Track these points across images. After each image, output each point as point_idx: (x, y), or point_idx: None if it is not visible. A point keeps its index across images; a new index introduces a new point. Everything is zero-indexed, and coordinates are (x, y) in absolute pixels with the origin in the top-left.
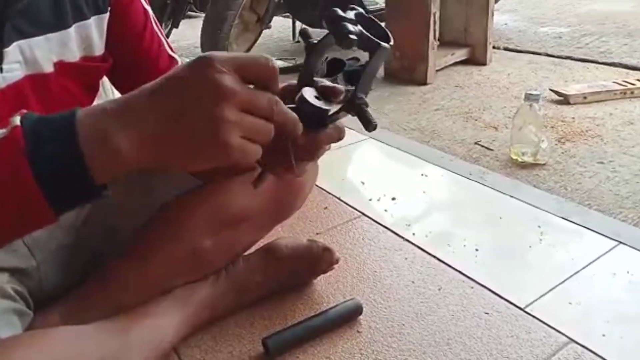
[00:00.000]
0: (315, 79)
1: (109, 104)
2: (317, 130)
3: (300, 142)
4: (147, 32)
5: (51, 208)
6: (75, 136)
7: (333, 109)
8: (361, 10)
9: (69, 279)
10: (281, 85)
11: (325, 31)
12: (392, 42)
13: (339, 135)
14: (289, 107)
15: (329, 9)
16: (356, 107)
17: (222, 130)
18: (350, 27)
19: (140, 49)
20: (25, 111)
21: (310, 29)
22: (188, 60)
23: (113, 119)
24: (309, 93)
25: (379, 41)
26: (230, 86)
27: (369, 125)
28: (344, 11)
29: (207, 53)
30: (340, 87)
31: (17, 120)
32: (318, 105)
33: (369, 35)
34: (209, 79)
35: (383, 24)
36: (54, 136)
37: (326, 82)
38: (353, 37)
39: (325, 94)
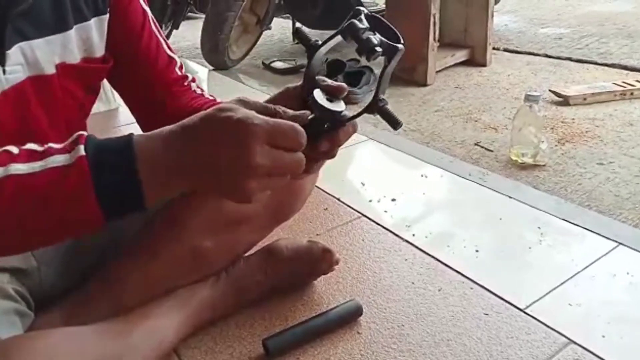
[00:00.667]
0: (317, 77)
1: (163, 142)
2: (334, 130)
3: (323, 148)
4: (145, 33)
5: (105, 223)
6: (136, 173)
7: (346, 109)
8: (367, 10)
9: (69, 280)
10: (279, 90)
11: (326, 31)
12: (402, 41)
13: (354, 130)
14: (304, 114)
15: (349, 25)
16: (380, 109)
17: (248, 194)
18: (374, 39)
19: (138, 49)
20: (83, 134)
21: (305, 29)
22: (188, 62)
23: (166, 161)
24: (320, 96)
25: (397, 45)
26: (260, 162)
27: (396, 124)
28: (356, 16)
29: (244, 116)
30: (344, 84)
31: (81, 149)
32: (334, 109)
33: (388, 42)
34: (244, 153)
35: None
36: (117, 169)
37: (328, 81)
38: (379, 49)
39: (331, 92)
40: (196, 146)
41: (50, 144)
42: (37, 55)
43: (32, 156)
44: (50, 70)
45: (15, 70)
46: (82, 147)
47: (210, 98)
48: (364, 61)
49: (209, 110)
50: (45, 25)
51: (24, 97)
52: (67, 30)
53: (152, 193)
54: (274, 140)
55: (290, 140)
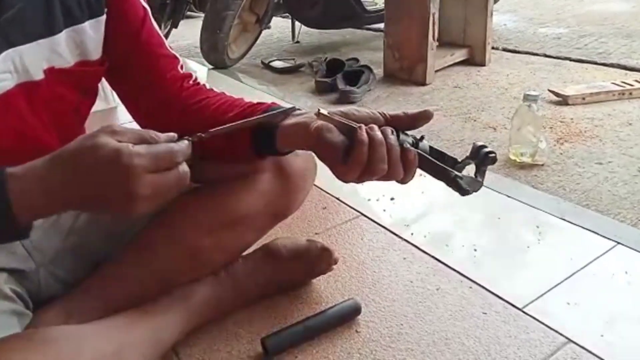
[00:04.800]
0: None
1: (39, 179)
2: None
3: (410, 157)
4: (145, 29)
5: None
6: (14, 218)
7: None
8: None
9: (68, 281)
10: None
11: (326, 30)
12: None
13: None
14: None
15: (448, 168)
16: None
17: (134, 213)
18: (464, 184)
19: (139, 45)
20: None
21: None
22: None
23: (45, 197)
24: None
25: (481, 180)
26: (143, 192)
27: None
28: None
29: (123, 147)
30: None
31: None
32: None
33: (475, 179)
34: (127, 186)
35: (382, 25)
36: None
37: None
38: (469, 189)
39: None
40: (76, 176)
41: None
42: (26, 61)
43: None
44: (39, 75)
45: (4, 78)
46: None
47: (236, 97)
48: (363, 61)
49: (82, 140)
50: (33, 31)
51: (14, 104)
52: (55, 34)
53: (30, 221)
54: (154, 167)
55: (168, 162)
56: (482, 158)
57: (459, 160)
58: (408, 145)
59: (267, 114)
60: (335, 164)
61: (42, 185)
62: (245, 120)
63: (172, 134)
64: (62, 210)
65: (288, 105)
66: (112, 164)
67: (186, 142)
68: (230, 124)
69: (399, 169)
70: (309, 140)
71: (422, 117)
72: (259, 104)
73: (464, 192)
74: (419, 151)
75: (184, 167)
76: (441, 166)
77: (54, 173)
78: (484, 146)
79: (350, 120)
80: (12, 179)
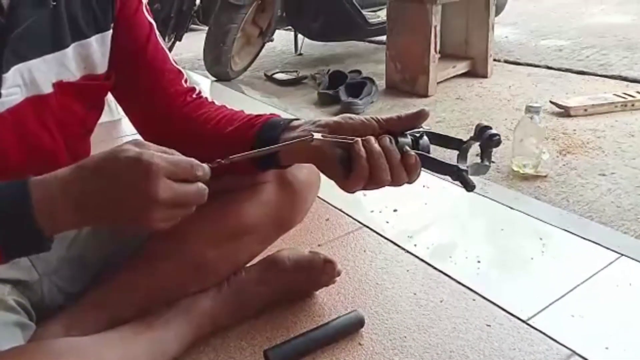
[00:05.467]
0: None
1: (61, 185)
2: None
3: (411, 161)
4: (150, 44)
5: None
6: (35, 224)
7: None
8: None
9: (71, 292)
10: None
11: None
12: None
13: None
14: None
15: (451, 163)
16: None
17: (151, 226)
18: (469, 178)
19: (144, 61)
20: None
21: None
22: (191, 73)
23: (65, 204)
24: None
25: (487, 164)
26: (163, 196)
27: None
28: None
29: (144, 153)
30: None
31: None
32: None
33: (481, 163)
34: (146, 188)
35: (385, 38)
36: (16, 220)
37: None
38: (474, 183)
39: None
40: (96, 186)
41: None
42: (35, 75)
43: None
44: (48, 89)
45: (12, 93)
46: None
47: (236, 110)
48: (365, 73)
49: (108, 150)
50: (42, 45)
51: (23, 118)
52: (64, 48)
53: (52, 233)
54: (175, 175)
55: (189, 173)
56: (486, 140)
57: (464, 140)
58: (408, 149)
59: (285, 143)
60: (338, 179)
61: (64, 190)
62: (268, 148)
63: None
64: (82, 223)
65: (291, 116)
66: (133, 165)
67: (206, 166)
68: (250, 152)
69: (402, 174)
70: (310, 156)
71: (418, 118)
72: (257, 116)
73: (470, 187)
74: (420, 152)
75: (203, 185)
76: (444, 163)
77: (76, 179)
78: (487, 127)
79: (345, 134)
80: (35, 186)
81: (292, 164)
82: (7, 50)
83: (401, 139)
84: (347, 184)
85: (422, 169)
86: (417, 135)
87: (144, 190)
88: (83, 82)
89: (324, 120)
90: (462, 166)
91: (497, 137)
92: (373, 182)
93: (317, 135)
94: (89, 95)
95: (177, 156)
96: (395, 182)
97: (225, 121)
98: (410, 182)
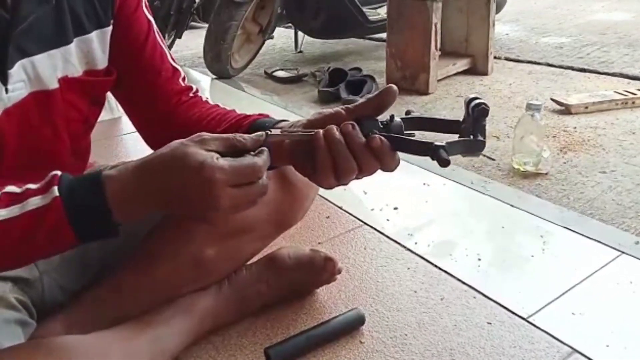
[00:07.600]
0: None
1: (132, 178)
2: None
3: (375, 144)
4: (149, 43)
5: (79, 243)
6: (109, 213)
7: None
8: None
9: (72, 290)
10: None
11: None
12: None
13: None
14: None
15: (424, 141)
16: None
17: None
18: (444, 154)
19: (142, 59)
20: (57, 174)
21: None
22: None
23: (137, 196)
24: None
25: (482, 139)
26: (225, 204)
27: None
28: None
29: (208, 160)
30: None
31: (55, 190)
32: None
33: (473, 139)
34: (209, 198)
35: (385, 35)
36: (91, 210)
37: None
38: (449, 159)
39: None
40: (164, 182)
41: (29, 185)
42: (39, 70)
43: (12, 200)
44: (53, 84)
45: (18, 88)
46: (56, 188)
47: (229, 109)
48: (365, 71)
49: (175, 148)
50: (46, 40)
51: (27, 113)
52: (67, 44)
53: (124, 221)
54: (236, 182)
55: (250, 177)
56: (473, 114)
57: (461, 119)
58: (376, 133)
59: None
60: (309, 175)
61: (136, 184)
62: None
63: (260, 133)
64: (152, 210)
65: (291, 114)
66: (196, 175)
67: (266, 152)
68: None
69: (371, 160)
70: (283, 157)
71: (384, 97)
72: (246, 117)
73: (443, 162)
74: (385, 134)
75: (264, 180)
76: (419, 142)
77: (147, 175)
78: (474, 98)
79: (306, 128)
80: (109, 179)
81: (278, 166)
82: (12, 47)
83: (369, 124)
84: (317, 178)
85: (402, 153)
86: (388, 118)
87: (208, 200)
88: (85, 77)
89: (304, 119)
90: (438, 143)
91: (483, 105)
92: (341, 172)
93: (275, 131)
94: (91, 91)
95: (240, 160)
96: (366, 169)
97: (215, 122)
98: (387, 169)
